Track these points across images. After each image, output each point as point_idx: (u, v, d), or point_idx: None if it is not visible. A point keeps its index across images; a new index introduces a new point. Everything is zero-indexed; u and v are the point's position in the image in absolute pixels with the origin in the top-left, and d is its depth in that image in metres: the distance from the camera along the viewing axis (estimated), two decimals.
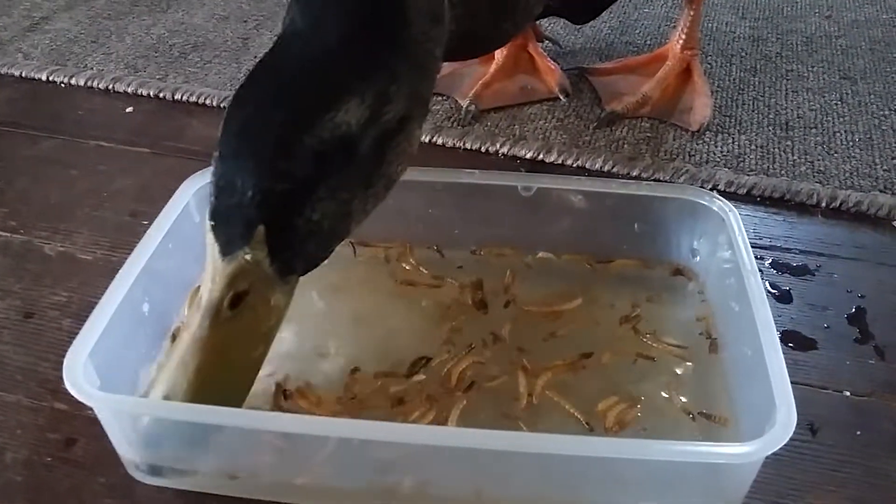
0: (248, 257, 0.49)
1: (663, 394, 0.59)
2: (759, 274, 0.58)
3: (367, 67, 0.51)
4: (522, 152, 0.89)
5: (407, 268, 0.69)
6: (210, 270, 0.49)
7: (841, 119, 0.94)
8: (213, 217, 0.50)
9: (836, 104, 0.97)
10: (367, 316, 0.65)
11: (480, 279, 0.67)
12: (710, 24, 1.14)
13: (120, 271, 0.58)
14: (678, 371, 0.61)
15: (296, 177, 0.49)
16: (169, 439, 0.50)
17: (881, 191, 0.83)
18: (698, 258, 0.68)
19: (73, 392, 0.49)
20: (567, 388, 0.59)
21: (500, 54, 1.00)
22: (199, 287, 0.64)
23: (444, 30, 0.58)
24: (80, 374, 0.49)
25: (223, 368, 0.49)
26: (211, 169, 0.64)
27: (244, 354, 0.50)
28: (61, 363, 0.52)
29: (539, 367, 0.60)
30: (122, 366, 0.55)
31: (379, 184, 0.54)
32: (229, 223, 0.49)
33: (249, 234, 0.49)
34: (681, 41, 0.98)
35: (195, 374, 0.48)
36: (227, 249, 0.49)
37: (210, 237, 0.50)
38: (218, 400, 0.49)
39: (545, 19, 1.12)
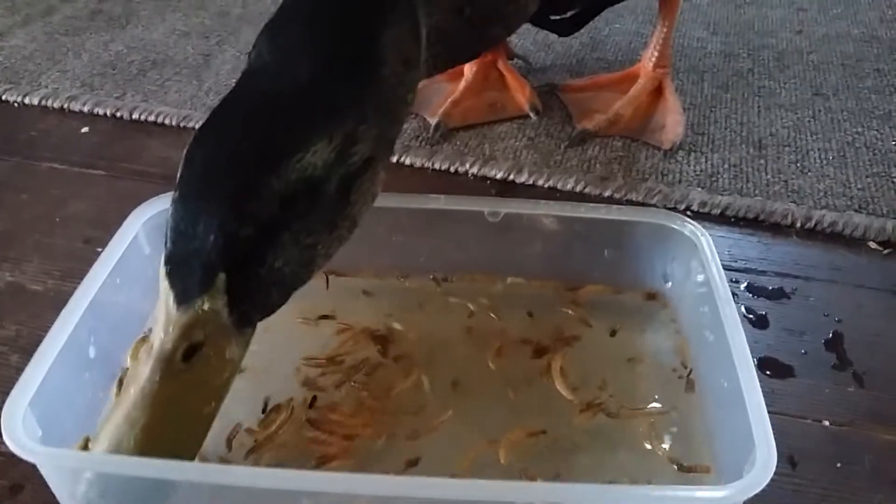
0: (205, 307, 0.46)
1: (638, 437, 0.57)
2: (733, 302, 0.56)
3: (337, 106, 0.49)
4: (493, 172, 0.87)
5: None
6: (163, 319, 0.46)
7: (814, 136, 0.93)
8: (168, 262, 0.47)
9: (809, 121, 0.96)
10: None
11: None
12: (681, 40, 1.12)
13: (63, 311, 0.54)
14: (655, 413, 0.59)
15: (261, 221, 0.47)
16: (116, 497, 0.46)
17: (856, 210, 0.81)
18: (670, 283, 0.66)
19: (11, 446, 0.46)
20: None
21: (469, 71, 0.99)
22: (143, 337, 0.61)
23: (417, 74, 0.57)
24: (19, 426, 0.46)
25: (173, 424, 0.46)
26: (162, 197, 0.61)
27: (195, 409, 0.47)
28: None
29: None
30: (65, 413, 0.52)
31: (343, 226, 0.52)
32: (187, 270, 0.46)
33: (209, 282, 0.46)
34: (653, 59, 0.96)
35: (143, 431, 0.45)
36: (183, 298, 0.46)
37: (165, 284, 0.47)
38: (167, 456, 0.45)
39: (515, 36, 1.11)
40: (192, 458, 0.47)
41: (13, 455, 0.56)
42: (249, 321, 0.49)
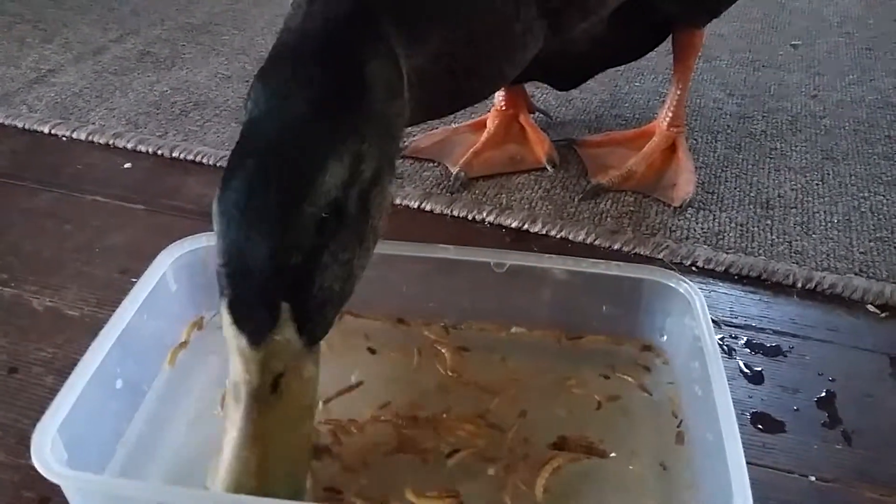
0: (279, 339, 0.50)
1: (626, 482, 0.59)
2: (721, 360, 0.59)
3: (340, 131, 0.53)
4: (508, 221, 0.91)
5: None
6: (240, 361, 0.49)
7: (821, 199, 0.96)
8: (232, 308, 0.49)
9: (818, 184, 0.99)
10: None
11: None
12: (697, 100, 1.16)
13: (94, 343, 0.59)
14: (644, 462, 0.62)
15: (304, 248, 0.50)
16: None
17: (856, 273, 0.84)
18: (666, 337, 0.69)
19: (39, 468, 0.50)
20: None
21: (491, 123, 1.03)
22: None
23: (402, 104, 0.60)
24: (47, 450, 0.50)
25: (282, 450, 0.50)
26: (190, 238, 0.66)
27: (295, 432, 0.51)
28: None
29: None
30: (90, 439, 0.56)
31: (369, 238, 0.56)
32: (252, 310, 0.49)
33: (277, 316, 0.49)
34: (667, 119, 1.00)
35: (258, 467, 0.49)
36: (256, 338, 0.49)
37: (232, 330, 0.49)
38: (285, 484, 0.50)
39: (538, 90, 1.15)
40: (305, 477, 0.52)
41: None
42: (316, 339, 0.53)
